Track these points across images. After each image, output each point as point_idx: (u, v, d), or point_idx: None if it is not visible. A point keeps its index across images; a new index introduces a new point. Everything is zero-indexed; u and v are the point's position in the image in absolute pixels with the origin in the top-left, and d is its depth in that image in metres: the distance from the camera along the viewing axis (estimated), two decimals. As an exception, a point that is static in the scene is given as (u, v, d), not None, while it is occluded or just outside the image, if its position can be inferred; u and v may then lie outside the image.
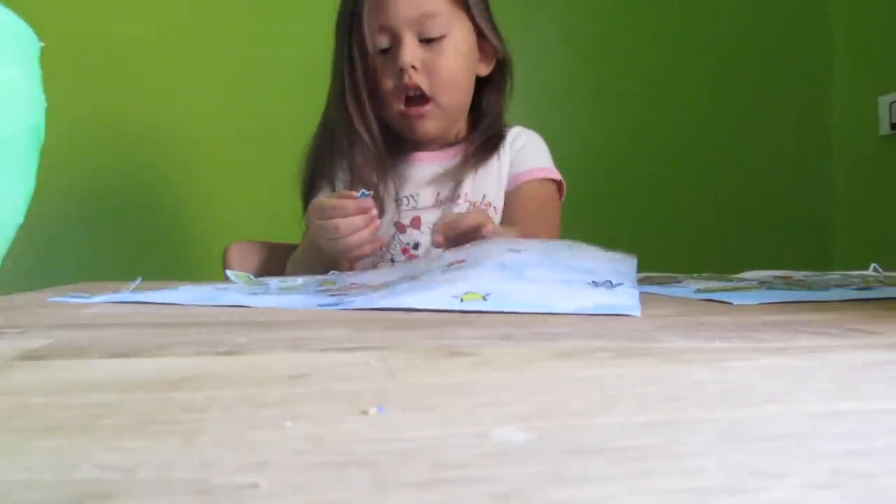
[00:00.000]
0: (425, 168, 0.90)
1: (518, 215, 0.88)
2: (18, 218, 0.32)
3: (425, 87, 0.83)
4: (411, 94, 0.84)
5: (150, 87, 1.36)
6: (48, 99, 0.33)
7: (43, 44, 0.33)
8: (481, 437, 0.15)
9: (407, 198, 0.89)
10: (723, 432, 0.15)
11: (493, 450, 0.14)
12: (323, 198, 0.75)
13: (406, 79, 0.82)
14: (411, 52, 0.82)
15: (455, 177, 0.88)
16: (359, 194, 0.70)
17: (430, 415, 0.17)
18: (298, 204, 0.94)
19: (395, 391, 0.19)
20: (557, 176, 0.93)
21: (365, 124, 0.86)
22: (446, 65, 0.84)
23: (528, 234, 0.77)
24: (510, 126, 0.96)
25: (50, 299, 0.48)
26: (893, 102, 1.43)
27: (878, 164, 1.50)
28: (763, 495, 0.12)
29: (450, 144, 0.92)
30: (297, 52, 1.35)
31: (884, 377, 0.21)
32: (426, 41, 0.83)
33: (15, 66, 0.30)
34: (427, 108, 0.85)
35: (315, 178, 0.91)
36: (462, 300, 0.41)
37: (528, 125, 0.97)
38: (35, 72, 0.32)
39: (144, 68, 1.36)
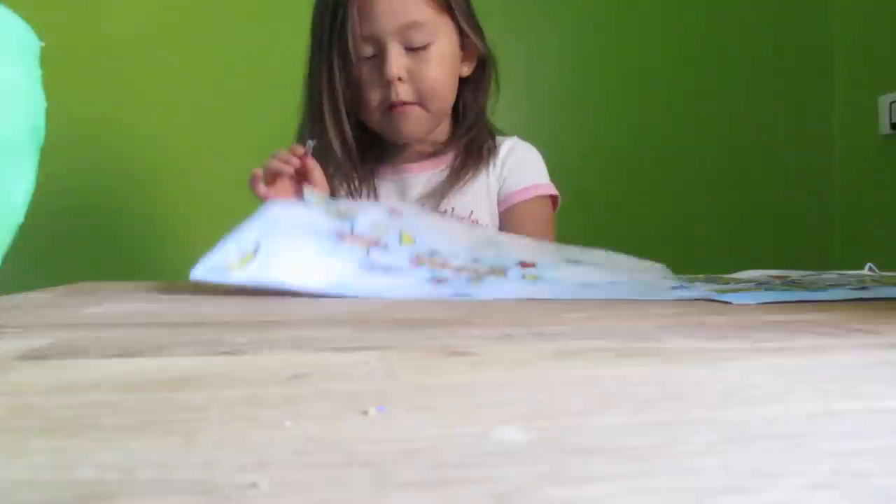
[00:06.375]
0: (411, 179, 0.90)
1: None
2: (18, 218, 0.32)
3: (411, 97, 0.83)
4: (397, 103, 0.84)
5: (150, 86, 1.36)
6: (48, 99, 0.33)
7: (43, 44, 0.33)
8: (481, 437, 0.15)
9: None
10: (723, 432, 0.15)
11: (493, 450, 0.14)
12: None
13: (392, 91, 0.82)
14: (397, 62, 0.81)
15: (442, 192, 0.88)
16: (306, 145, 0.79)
17: (430, 415, 0.17)
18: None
19: (395, 391, 0.19)
20: (553, 191, 0.91)
21: (340, 135, 0.85)
22: (432, 73, 0.83)
23: None
24: (506, 136, 0.94)
25: (193, 278, 0.51)
26: (893, 102, 1.43)
27: (878, 164, 1.50)
28: (763, 495, 0.12)
29: (434, 153, 0.91)
30: (295, 52, 1.34)
31: (884, 377, 0.21)
32: (412, 49, 0.82)
33: (15, 66, 0.30)
34: (410, 108, 0.84)
35: None
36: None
37: (526, 126, 0.97)
38: (35, 72, 0.32)
39: (144, 68, 1.36)
